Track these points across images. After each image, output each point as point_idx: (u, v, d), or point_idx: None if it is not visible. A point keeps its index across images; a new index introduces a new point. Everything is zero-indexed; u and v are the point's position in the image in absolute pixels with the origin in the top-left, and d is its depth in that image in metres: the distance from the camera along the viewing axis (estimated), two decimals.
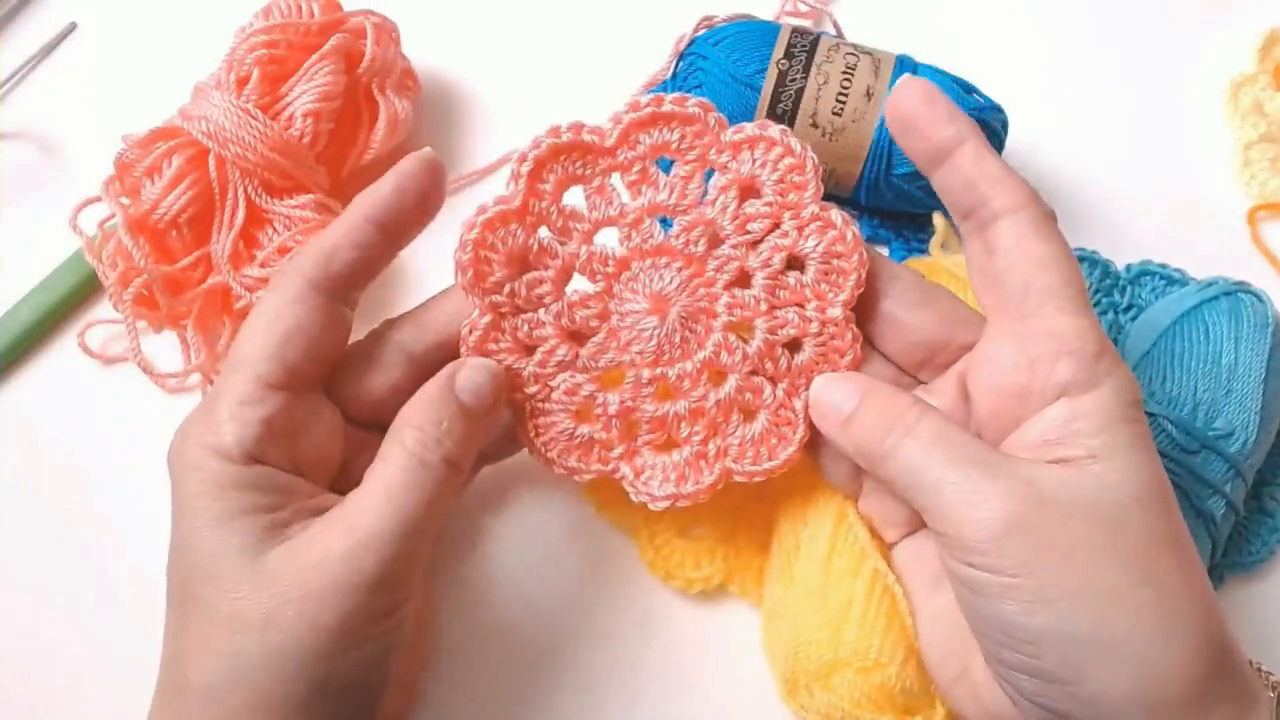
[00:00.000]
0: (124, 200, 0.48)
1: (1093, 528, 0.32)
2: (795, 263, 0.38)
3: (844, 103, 0.48)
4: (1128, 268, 0.51)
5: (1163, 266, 0.51)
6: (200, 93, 0.48)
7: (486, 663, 0.45)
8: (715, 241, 0.38)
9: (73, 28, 0.57)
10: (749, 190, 0.38)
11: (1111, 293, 0.51)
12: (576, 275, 0.39)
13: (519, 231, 0.38)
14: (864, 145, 0.48)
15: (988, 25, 0.58)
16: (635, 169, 0.38)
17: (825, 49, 0.49)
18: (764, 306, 0.38)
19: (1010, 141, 0.50)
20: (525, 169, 0.38)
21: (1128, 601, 0.32)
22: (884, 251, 0.52)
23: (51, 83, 0.56)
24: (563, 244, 0.38)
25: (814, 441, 0.39)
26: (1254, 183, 0.54)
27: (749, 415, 0.39)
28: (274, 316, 0.36)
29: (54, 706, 0.45)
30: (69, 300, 0.51)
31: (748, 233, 0.38)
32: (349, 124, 0.51)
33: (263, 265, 0.48)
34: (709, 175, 0.39)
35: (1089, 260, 0.51)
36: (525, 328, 0.39)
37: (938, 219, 0.47)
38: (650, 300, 0.38)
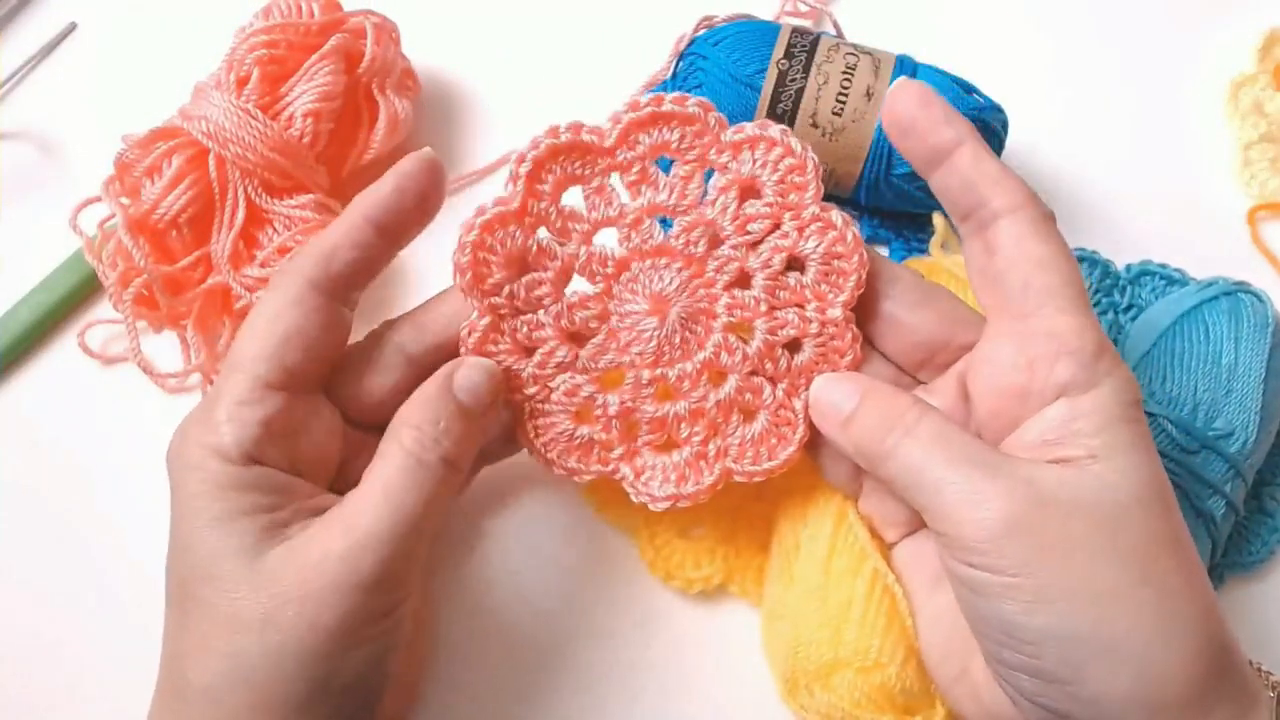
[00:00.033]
0: (124, 200, 0.48)
1: (1093, 528, 0.32)
2: (795, 263, 0.38)
3: (844, 103, 0.48)
4: (1128, 268, 0.51)
5: (1163, 266, 0.51)
6: (200, 93, 0.48)
7: (486, 663, 0.45)
8: (715, 242, 0.38)
9: (73, 28, 0.57)
10: (749, 190, 0.38)
11: (1111, 293, 0.51)
12: (576, 276, 0.39)
13: (518, 233, 0.38)
14: (864, 145, 0.48)
15: (988, 25, 0.58)
16: (635, 169, 0.38)
17: (825, 49, 0.49)
18: (764, 307, 0.38)
19: (1010, 141, 0.50)
20: (524, 170, 0.38)
21: (1128, 601, 0.32)
22: (884, 251, 0.53)
23: (51, 83, 0.56)
24: (562, 245, 0.38)
25: (814, 441, 0.39)
26: (1254, 183, 0.54)
27: (749, 415, 0.39)
28: (273, 317, 0.36)
29: (54, 706, 0.45)
30: (69, 300, 0.51)
31: (748, 233, 0.38)
32: (349, 124, 0.51)
33: (263, 265, 0.48)
34: (709, 175, 0.39)
35: (1089, 260, 0.51)
36: (524, 329, 0.39)
37: (938, 219, 0.47)
38: (650, 301, 0.38)
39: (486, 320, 0.38)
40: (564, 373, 0.39)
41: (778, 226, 0.38)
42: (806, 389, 0.39)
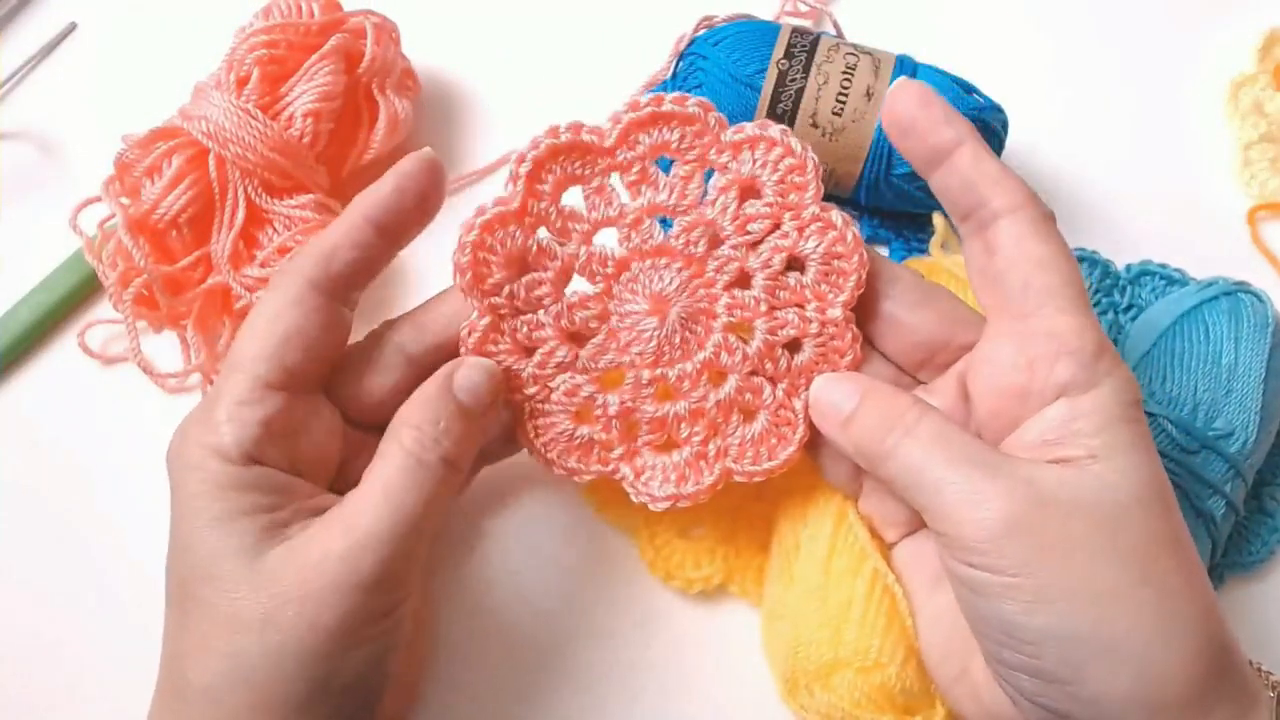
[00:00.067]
0: (124, 200, 0.48)
1: (1093, 528, 0.32)
2: (795, 263, 0.38)
3: (844, 103, 0.48)
4: (1128, 268, 0.51)
5: (1163, 266, 0.51)
6: (200, 93, 0.48)
7: (486, 663, 0.45)
8: (715, 242, 0.38)
9: (73, 28, 0.57)
10: (749, 190, 0.38)
11: (1111, 293, 0.51)
12: (576, 276, 0.39)
13: (518, 233, 0.38)
14: (864, 145, 0.48)
15: (988, 25, 0.58)
16: (635, 169, 0.38)
17: (825, 49, 0.49)
18: (764, 307, 0.38)
19: (1010, 141, 0.50)
20: (524, 170, 0.38)
21: (1128, 601, 0.32)
22: (884, 251, 0.53)
23: (51, 83, 0.56)
24: (562, 245, 0.38)
25: (814, 441, 0.39)
26: (1254, 183, 0.54)
27: (749, 415, 0.39)
28: (273, 317, 0.36)
29: (54, 706, 0.45)
30: (69, 300, 0.51)
31: (748, 233, 0.38)
32: (349, 124, 0.51)
33: (263, 265, 0.48)
34: (709, 175, 0.39)
35: (1089, 260, 0.51)
36: (524, 329, 0.39)
37: (938, 219, 0.47)
38: (650, 301, 0.38)
39: (486, 320, 0.38)
40: (564, 373, 0.39)
41: (778, 226, 0.38)
42: (806, 389, 0.39)
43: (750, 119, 0.43)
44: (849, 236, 0.38)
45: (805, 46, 0.49)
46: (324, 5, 0.50)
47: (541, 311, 0.39)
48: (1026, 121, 0.51)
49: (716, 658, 0.45)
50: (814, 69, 0.48)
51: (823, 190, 0.38)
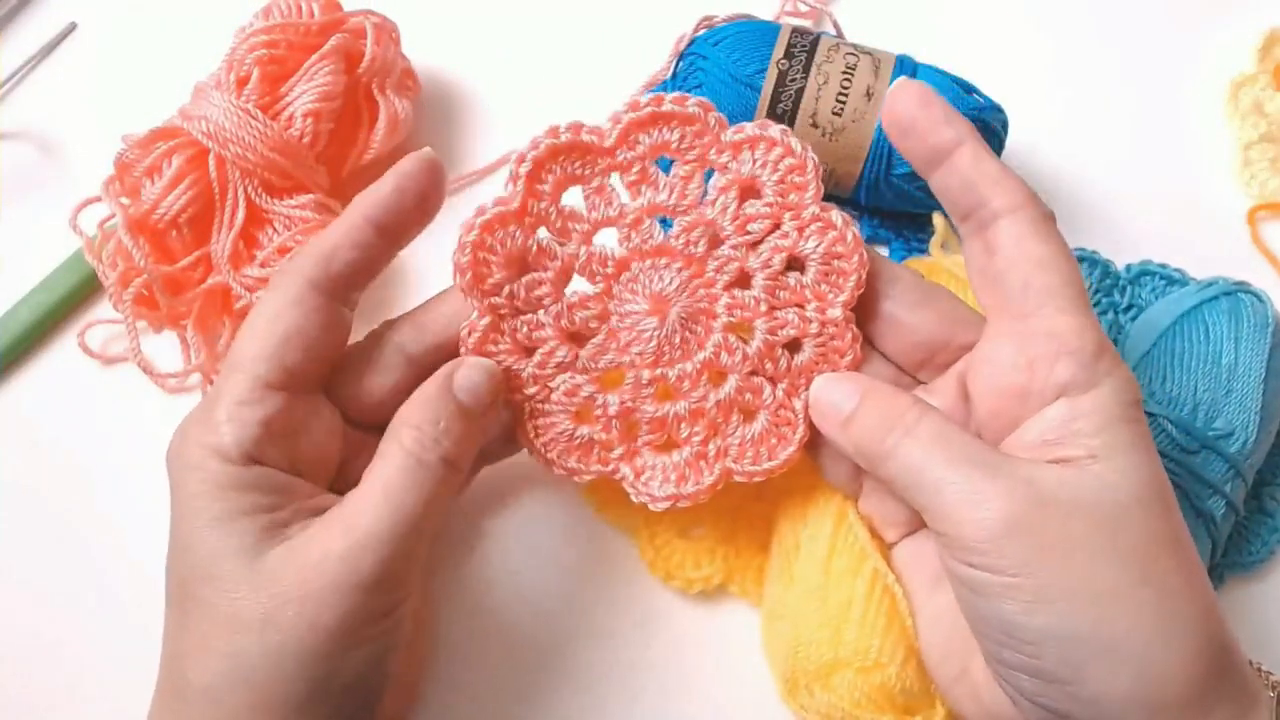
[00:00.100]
0: (124, 200, 0.48)
1: (1093, 528, 0.32)
2: (795, 263, 0.38)
3: (844, 103, 0.48)
4: (1128, 268, 0.51)
5: (1163, 266, 0.51)
6: (200, 93, 0.48)
7: (486, 663, 0.45)
8: (715, 242, 0.38)
9: (73, 28, 0.57)
10: (749, 190, 0.38)
11: (1111, 293, 0.51)
12: (576, 276, 0.39)
13: (517, 233, 0.38)
14: (864, 145, 0.48)
15: (988, 25, 0.58)
16: (635, 169, 0.38)
17: (825, 49, 0.49)
18: (764, 307, 0.38)
19: (1010, 141, 0.50)
20: (523, 170, 0.38)
21: (1128, 601, 0.32)
22: (884, 251, 0.53)
23: (51, 83, 0.56)
24: (562, 245, 0.38)
25: (814, 441, 0.39)
26: (1254, 183, 0.54)
27: (749, 415, 0.39)
28: (273, 317, 0.36)
29: (54, 706, 0.45)
30: (69, 300, 0.51)
31: (748, 233, 0.38)
32: (349, 124, 0.51)
33: (263, 265, 0.48)
34: (709, 175, 0.39)
35: (1089, 260, 0.51)
36: (524, 329, 0.39)
37: (938, 219, 0.47)
38: (650, 301, 0.38)
39: (486, 320, 0.38)
40: (564, 373, 0.39)
41: (778, 226, 0.38)
42: (806, 389, 0.39)
43: (750, 119, 0.43)
44: (849, 236, 0.38)
45: (805, 46, 0.49)
46: (324, 5, 0.50)
47: (541, 311, 0.39)
48: (1026, 121, 0.51)
49: (716, 658, 0.45)
50: (814, 69, 0.48)
51: (823, 190, 0.38)
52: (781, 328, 0.38)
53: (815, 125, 0.48)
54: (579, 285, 0.39)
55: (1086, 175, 0.54)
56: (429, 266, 0.49)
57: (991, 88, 0.50)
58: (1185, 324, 0.46)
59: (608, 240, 0.39)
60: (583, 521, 0.47)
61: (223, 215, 0.48)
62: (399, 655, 0.37)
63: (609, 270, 0.39)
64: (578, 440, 0.39)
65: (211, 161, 0.47)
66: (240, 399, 0.35)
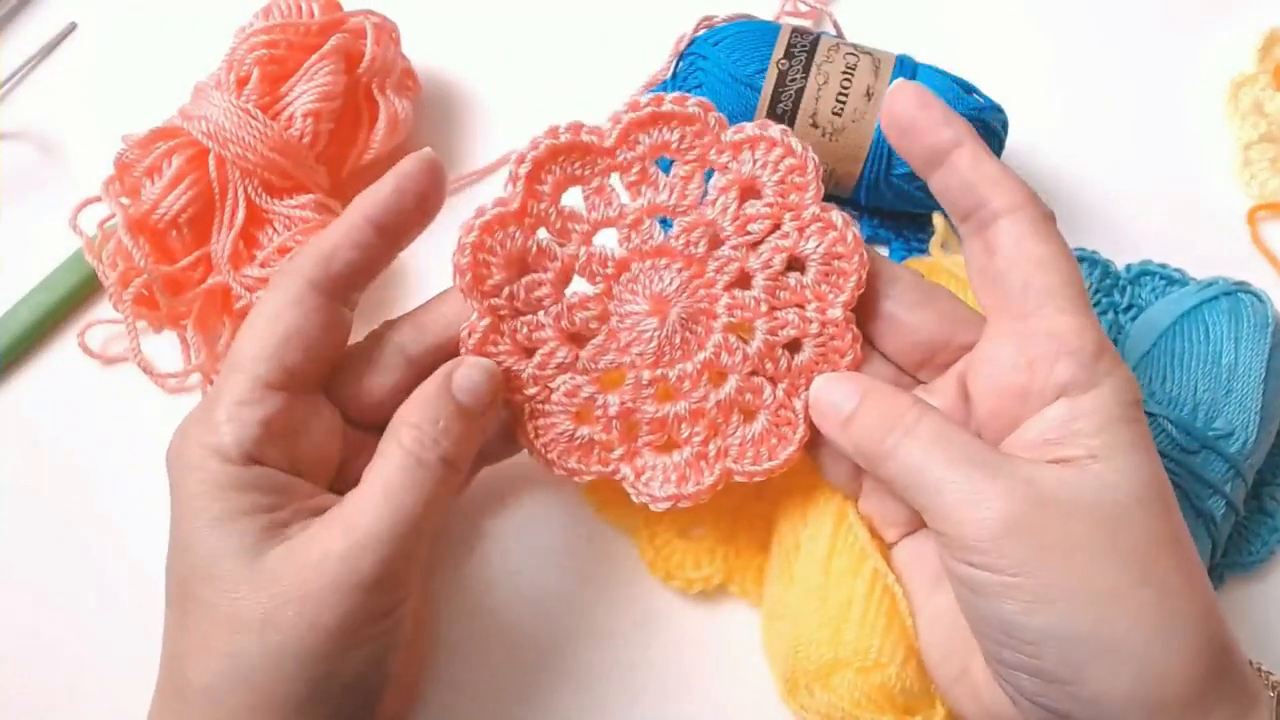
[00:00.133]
0: (124, 200, 0.48)
1: (1093, 528, 0.32)
2: (795, 263, 0.38)
3: (844, 103, 0.48)
4: (1128, 268, 0.51)
5: (1163, 266, 0.51)
6: (200, 93, 0.48)
7: (486, 663, 0.45)
8: (715, 242, 0.38)
9: (73, 28, 0.57)
10: (749, 191, 0.38)
11: (1111, 293, 0.51)
12: (576, 277, 0.39)
13: (517, 234, 0.38)
14: (864, 145, 0.48)
15: (988, 25, 0.58)
16: (635, 169, 0.38)
17: (825, 49, 0.49)
18: (764, 308, 0.38)
19: (1010, 141, 0.50)
20: (523, 170, 0.38)
21: (1128, 601, 0.32)
22: (884, 251, 0.53)
23: (51, 83, 0.56)
24: (562, 245, 0.38)
25: (814, 441, 0.39)
26: (1254, 183, 0.54)
27: (749, 415, 0.39)
28: (273, 317, 0.36)
29: (54, 706, 0.45)
30: (69, 300, 0.51)
31: (748, 233, 0.38)
32: (349, 124, 0.51)
33: (263, 265, 0.48)
34: (709, 175, 0.39)
35: (1089, 260, 0.51)
36: (525, 330, 0.39)
37: (938, 219, 0.47)
38: (650, 301, 0.38)
39: (486, 321, 0.38)
40: (564, 373, 0.39)
41: (778, 227, 0.38)
42: (806, 389, 0.39)
43: (750, 119, 0.43)
44: (849, 237, 0.38)
45: (805, 46, 0.49)
46: (324, 5, 0.50)
47: (541, 312, 0.39)
48: (1026, 121, 0.51)
49: (716, 658, 0.45)
50: (814, 69, 0.48)
51: (823, 190, 0.38)
52: (782, 328, 0.38)
53: (815, 125, 0.48)
54: (579, 286, 0.39)
55: (1086, 175, 0.54)
56: (429, 267, 0.49)
57: (991, 88, 0.50)
58: (1185, 324, 0.46)
59: (608, 241, 0.39)
60: (583, 521, 0.47)
61: (223, 215, 0.48)
62: (399, 655, 0.37)
63: (609, 271, 0.39)
64: (578, 441, 0.39)
65: (211, 161, 0.47)
66: (240, 399, 0.35)
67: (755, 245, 0.38)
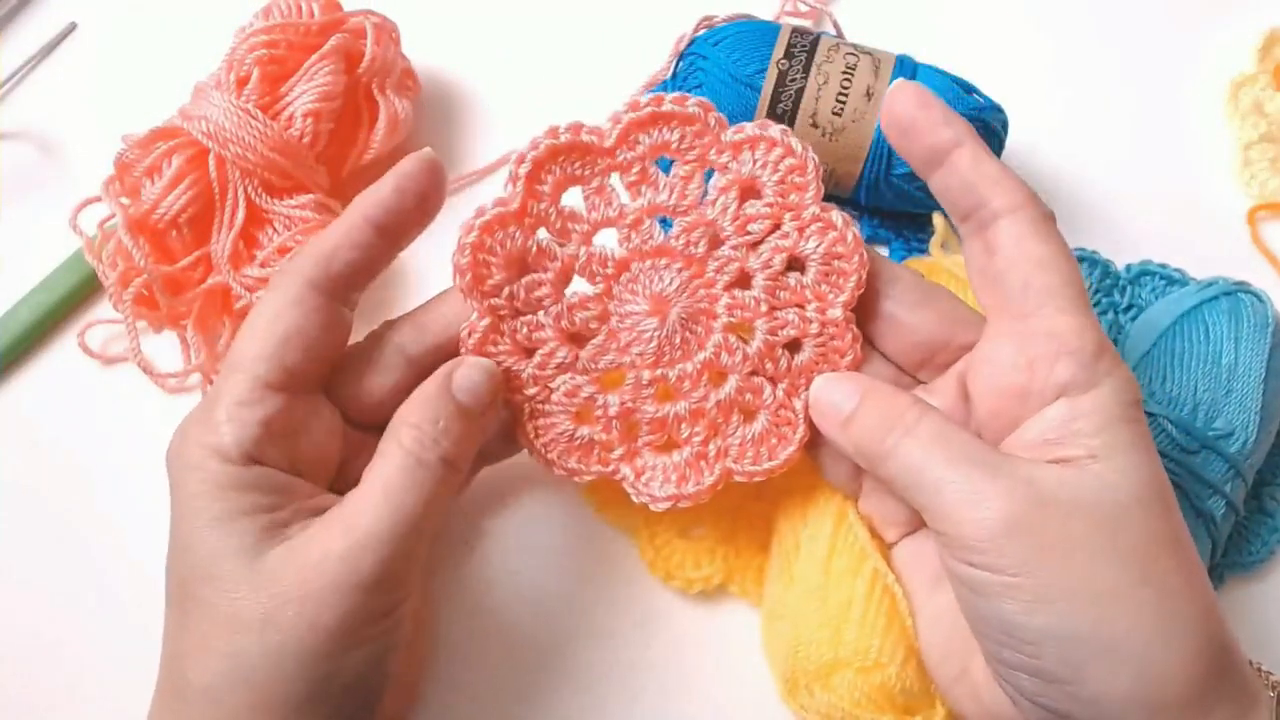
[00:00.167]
0: (124, 200, 0.48)
1: (1093, 528, 0.32)
2: (795, 263, 0.38)
3: (844, 103, 0.48)
4: (1128, 268, 0.51)
5: (1163, 266, 0.51)
6: (200, 93, 0.48)
7: (486, 663, 0.45)
8: (715, 242, 0.38)
9: (73, 28, 0.57)
10: (749, 191, 0.38)
11: (1111, 293, 0.51)
12: (576, 277, 0.39)
13: (517, 234, 0.38)
14: (864, 145, 0.48)
15: (988, 25, 0.58)
16: (635, 169, 0.38)
17: (825, 49, 0.49)
18: (764, 308, 0.38)
19: (1010, 141, 0.50)
20: (523, 170, 0.38)
21: (1128, 601, 0.32)
22: (884, 251, 0.53)
23: (51, 83, 0.56)
24: (562, 245, 0.38)
25: (814, 441, 0.39)
26: (1254, 183, 0.54)
27: (749, 415, 0.39)
28: (273, 317, 0.36)
29: (54, 706, 0.45)
30: (69, 300, 0.51)
31: (748, 233, 0.38)
32: (349, 124, 0.51)
33: (263, 265, 0.48)
34: (709, 175, 0.39)
35: (1089, 260, 0.51)
36: (524, 330, 0.39)
37: (938, 219, 0.47)
38: (650, 301, 0.38)
39: (486, 321, 0.38)
40: (564, 373, 0.39)
41: (778, 227, 0.38)
42: (806, 389, 0.39)
43: (750, 119, 0.43)
44: (849, 237, 0.38)
45: (805, 46, 0.49)
46: (324, 5, 0.50)
47: (541, 312, 0.39)
48: (1026, 121, 0.51)
49: (716, 658, 0.45)
50: (814, 69, 0.48)
51: (823, 190, 0.38)
52: (782, 328, 0.38)
53: (815, 125, 0.48)
54: (579, 286, 0.39)
55: (1086, 175, 0.54)
56: (429, 266, 0.49)
57: (991, 88, 0.50)
58: (1185, 324, 0.46)
59: (608, 241, 0.39)
60: (583, 521, 0.47)
61: (223, 215, 0.48)
62: (399, 655, 0.37)
63: (609, 271, 0.39)
64: (578, 441, 0.39)
65: (211, 161, 0.47)
66: (240, 399, 0.35)
67: (755, 245, 0.38)
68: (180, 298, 0.49)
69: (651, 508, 0.40)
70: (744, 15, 0.52)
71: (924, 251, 0.51)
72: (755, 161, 0.38)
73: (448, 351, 0.39)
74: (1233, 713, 0.32)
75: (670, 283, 0.38)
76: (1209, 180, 0.55)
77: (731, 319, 0.38)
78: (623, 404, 0.39)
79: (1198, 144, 0.56)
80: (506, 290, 0.38)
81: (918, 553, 0.39)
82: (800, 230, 0.38)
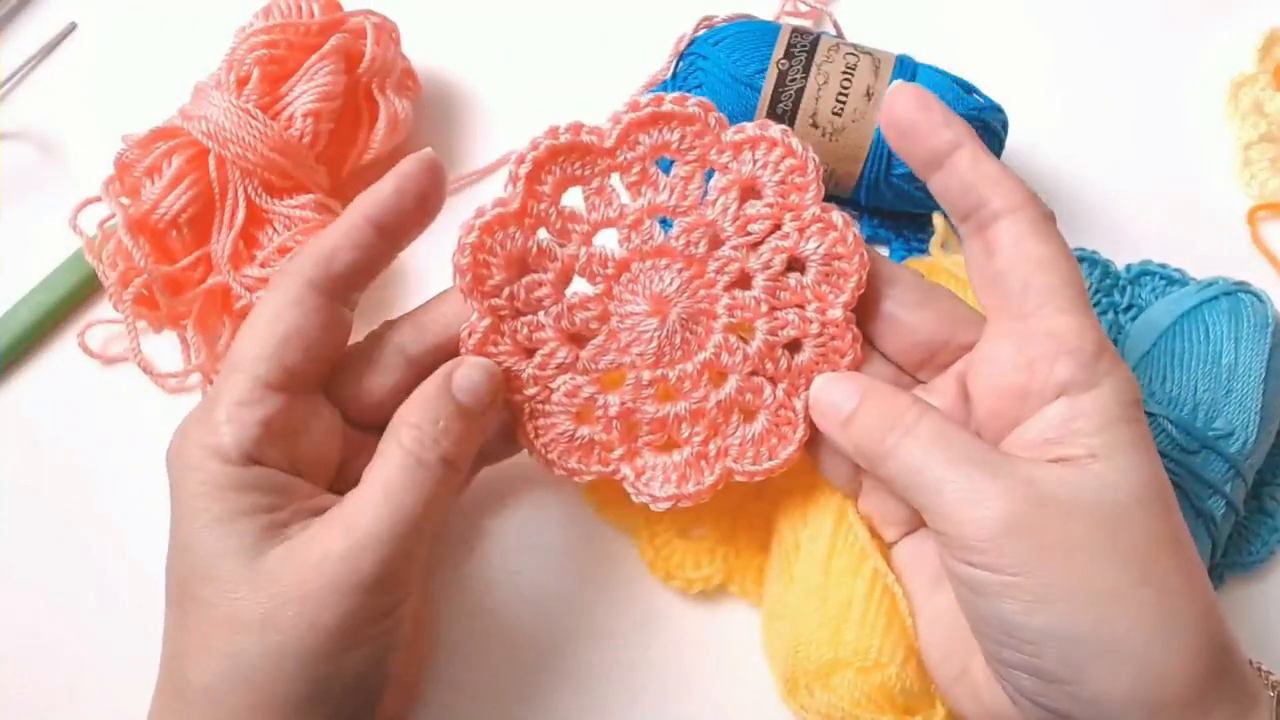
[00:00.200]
0: (124, 200, 0.48)
1: (1093, 527, 0.32)
2: (796, 264, 0.38)
3: (844, 103, 0.48)
4: (1128, 268, 0.51)
5: (1163, 266, 0.51)
6: (200, 93, 0.48)
7: (486, 663, 0.45)
8: (715, 242, 0.38)
9: (73, 28, 0.57)
10: (750, 191, 0.38)
11: (1111, 293, 0.51)
12: (576, 277, 0.39)
13: (517, 234, 0.38)
14: (864, 145, 0.48)
15: (988, 25, 0.58)
16: (635, 169, 0.38)
17: (825, 49, 0.49)
18: (764, 308, 0.38)
19: (1010, 141, 0.50)
20: (523, 171, 0.38)
21: (1128, 601, 0.32)
22: (884, 251, 0.53)
23: (51, 83, 0.56)
24: (562, 246, 0.38)
25: (813, 440, 0.39)
26: (1254, 183, 0.54)
27: (749, 415, 0.39)
28: (273, 317, 0.36)
29: (54, 706, 0.45)
30: (69, 300, 0.51)
31: (748, 234, 0.38)
32: (349, 124, 0.51)
33: (263, 265, 0.48)
34: (709, 176, 0.39)
35: (1089, 260, 0.51)
36: (525, 330, 0.39)
37: (938, 219, 0.47)
38: (650, 302, 0.38)
39: (487, 322, 0.38)
40: (564, 374, 0.39)
41: (778, 227, 0.38)
42: (806, 389, 0.39)
43: (750, 119, 0.43)
44: (850, 237, 0.37)
45: (805, 46, 0.49)
46: (324, 5, 0.50)
47: (542, 313, 0.39)
48: (1026, 121, 0.51)
49: (716, 658, 0.45)
50: (814, 69, 0.48)
51: (823, 191, 0.38)
52: (782, 328, 0.38)
53: (815, 125, 0.48)
54: (579, 286, 0.39)
55: (1086, 175, 0.54)
56: (429, 267, 0.49)
57: (991, 88, 0.50)
58: (1185, 324, 0.46)
59: (608, 241, 0.39)
60: (583, 521, 0.47)
61: (223, 215, 0.48)
62: (399, 655, 0.37)
63: (609, 271, 0.39)
64: (578, 441, 0.39)
65: (211, 161, 0.47)
66: (240, 399, 0.35)
67: (755, 246, 0.38)
68: (180, 298, 0.49)
69: (652, 508, 0.40)
70: (744, 15, 0.52)
71: (924, 251, 0.51)
72: (755, 162, 0.38)
73: (448, 351, 0.39)
74: (1233, 713, 0.32)
75: (670, 283, 0.38)
76: (1209, 180, 0.55)
77: (732, 319, 0.38)
78: (623, 404, 0.39)
79: (1198, 144, 0.56)
80: (507, 290, 0.38)
81: (918, 552, 0.39)
82: (801, 231, 0.38)
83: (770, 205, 0.38)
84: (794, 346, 0.39)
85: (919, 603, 0.38)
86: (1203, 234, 0.53)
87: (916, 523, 0.39)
